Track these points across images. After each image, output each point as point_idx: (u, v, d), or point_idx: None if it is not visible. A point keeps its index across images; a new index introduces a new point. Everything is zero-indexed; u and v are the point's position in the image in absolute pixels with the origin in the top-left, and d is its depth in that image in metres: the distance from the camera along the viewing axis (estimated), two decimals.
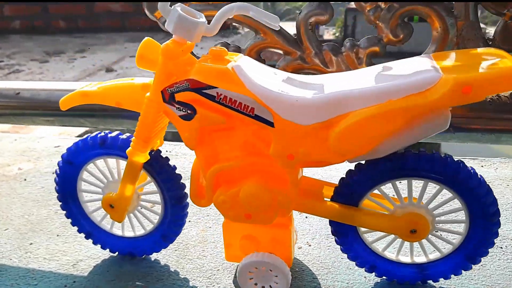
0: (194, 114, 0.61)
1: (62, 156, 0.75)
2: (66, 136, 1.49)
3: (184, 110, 0.61)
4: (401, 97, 0.54)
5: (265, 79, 0.60)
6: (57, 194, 0.77)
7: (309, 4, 0.72)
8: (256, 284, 0.68)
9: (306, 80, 0.62)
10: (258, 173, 0.64)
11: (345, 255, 0.76)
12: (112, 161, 0.74)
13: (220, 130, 0.63)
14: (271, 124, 0.59)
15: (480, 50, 0.59)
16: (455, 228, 0.66)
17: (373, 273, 0.70)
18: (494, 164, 1.03)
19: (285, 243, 0.70)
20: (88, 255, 0.81)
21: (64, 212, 0.79)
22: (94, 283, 0.74)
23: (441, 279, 0.68)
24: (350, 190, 0.64)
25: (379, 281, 0.71)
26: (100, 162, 0.74)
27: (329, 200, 0.66)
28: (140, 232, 0.78)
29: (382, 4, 0.68)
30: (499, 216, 0.61)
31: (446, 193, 0.62)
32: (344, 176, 0.65)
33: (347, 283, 0.71)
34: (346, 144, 0.57)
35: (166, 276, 0.75)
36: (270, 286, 0.68)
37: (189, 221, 0.89)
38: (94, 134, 0.73)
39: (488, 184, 0.60)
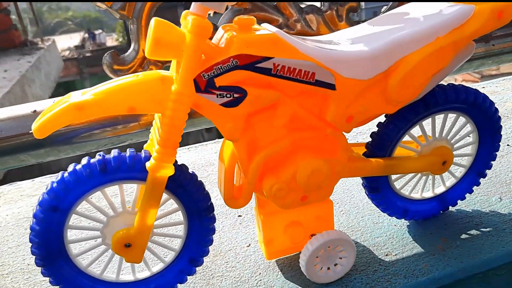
0: (244, 97, 0.52)
1: (40, 204, 0.54)
2: None
3: (228, 95, 0.52)
4: (447, 33, 0.56)
5: (308, 41, 0.55)
6: (35, 258, 0.56)
7: None
8: (321, 268, 0.63)
9: (339, 37, 0.59)
10: (307, 149, 0.59)
11: (363, 213, 0.77)
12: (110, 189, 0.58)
13: (262, 111, 0.55)
14: (332, 86, 0.54)
15: None
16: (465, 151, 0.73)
17: (403, 219, 0.73)
18: None
19: (329, 217, 0.66)
20: None
21: (49, 279, 0.58)
22: None
23: (458, 202, 0.75)
24: (386, 140, 0.64)
25: (408, 223, 0.74)
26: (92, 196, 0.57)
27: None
28: (157, 267, 0.63)
29: None
30: (501, 128, 0.70)
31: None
32: (375, 130, 0.65)
33: (386, 235, 0.72)
34: (404, 90, 0.57)
35: None
36: (335, 264, 0.64)
37: None
38: (84, 160, 0.55)
39: (494, 103, 0.68)
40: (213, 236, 0.62)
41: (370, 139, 0.66)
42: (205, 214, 0.61)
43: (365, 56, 0.54)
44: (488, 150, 0.71)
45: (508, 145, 0.94)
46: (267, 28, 0.53)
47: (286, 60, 0.51)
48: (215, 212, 0.61)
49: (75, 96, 0.51)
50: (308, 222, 0.65)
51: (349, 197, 0.82)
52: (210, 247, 0.63)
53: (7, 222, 0.87)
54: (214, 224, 0.62)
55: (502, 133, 0.70)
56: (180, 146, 0.82)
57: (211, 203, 0.61)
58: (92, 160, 0.55)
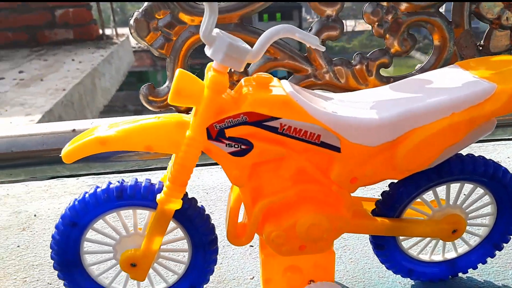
0: (250, 149, 0.55)
1: (62, 217, 0.61)
2: (20, 177, 1.21)
3: (236, 146, 0.55)
4: (464, 109, 0.56)
5: (321, 103, 0.57)
6: (53, 262, 0.63)
7: (319, 20, 0.70)
8: None
9: (354, 99, 0.61)
10: (310, 202, 0.61)
11: (371, 265, 0.77)
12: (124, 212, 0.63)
13: (270, 162, 0.58)
14: (337, 149, 0.56)
15: (497, 57, 0.65)
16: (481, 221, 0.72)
17: (408, 278, 0.72)
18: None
19: (329, 267, 0.68)
20: None
21: (63, 282, 0.65)
22: None
23: (470, 270, 0.73)
24: (395, 202, 0.65)
25: (414, 283, 0.73)
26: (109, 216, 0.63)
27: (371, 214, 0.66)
28: (160, 286, 0.68)
29: (390, 18, 0.70)
30: None
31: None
32: (387, 189, 0.65)
33: None
34: (414, 161, 0.57)
35: None
36: None
37: None
38: (104, 185, 0.61)
39: None
40: (221, 262, 0.66)
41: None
42: (208, 247, 0.65)
43: (373, 125, 0.56)
44: (506, 224, 0.69)
45: None
46: (283, 87, 0.56)
47: (293, 121, 0.54)
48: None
49: (102, 130, 0.57)
50: (307, 269, 0.67)
51: (362, 245, 0.83)
52: (216, 272, 0.66)
53: (47, 215, 0.96)
54: (217, 255, 0.66)
55: None
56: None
57: (215, 237, 0.65)
58: (111, 186, 0.61)
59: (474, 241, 0.72)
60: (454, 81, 0.59)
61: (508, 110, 0.57)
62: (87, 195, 0.61)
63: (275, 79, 0.59)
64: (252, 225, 0.62)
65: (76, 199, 0.61)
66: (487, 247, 0.71)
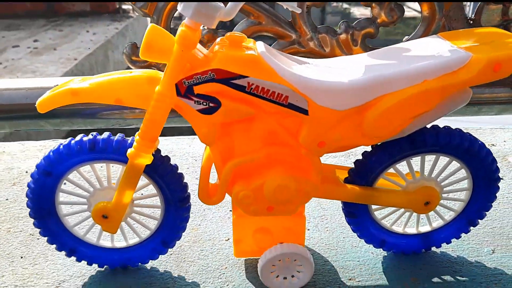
0: (218, 107, 0.56)
1: (37, 167, 0.63)
2: (5, 130, 1.24)
3: (205, 103, 0.56)
4: (436, 77, 0.55)
5: (292, 65, 0.57)
6: (29, 210, 0.65)
7: None
8: (277, 276, 0.66)
9: (329, 64, 0.60)
10: (279, 164, 0.61)
11: (346, 233, 0.78)
12: (98, 165, 0.65)
13: (240, 122, 0.59)
14: (305, 112, 0.56)
15: (481, 29, 0.63)
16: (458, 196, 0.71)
17: (380, 248, 0.73)
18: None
19: (300, 231, 0.68)
20: (70, 274, 0.71)
21: (39, 230, 0.67)
22: None
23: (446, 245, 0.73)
24: (367, 171, 0.65)
25: (386, 254, 0.74)
26: (84, 168, 0.64)
27: (344, 182, 0.66)
28: (133, 240, 0.70)
29: None
30: (500, 180, 0.67)
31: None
32: (360, 158, 0.65)
33: (358, 260, 0.72)
34: (381, 127, 0.57)
35: (172, 283, 0.69)
36: (292, 276, 0.66)
37: None
38: (78, 137, 0.62)
39: (491, 153, 0.65)
40: (200, 224, 0.67)
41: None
42: (180, 204, 0.66)
43: (341, 88, 0.55)
44: (482, 200, 0.68)
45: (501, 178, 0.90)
46: (257, 48, 0.56)
47: (261, 81, 0.54)
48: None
49: (75, 82, 0.58)
50: (277, 231, 0.68)
51: (340, 215, 0.83)
52: (192, 232, 0.68)
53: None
54: (189, 213, 0.68)
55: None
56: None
57: (188, 195, 0.66)
58: (85, 139, 0.62)
59: (449, 216, 0.71)
60: (431, 50, 0.58)
61: (481, 79, 0.55)
62: (61, 146, 0.62)
63: (251, 40, 0.59)
64: (222, 185, 0.62)
65: (51, 150, 0.63)
66: (462, 223, 0.70)
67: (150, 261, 0.72)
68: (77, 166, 0.63)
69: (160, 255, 0.71)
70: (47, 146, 1.11)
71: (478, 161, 0.64)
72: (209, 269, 0.71)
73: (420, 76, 0.55)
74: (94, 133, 0.63)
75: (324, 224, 0.81)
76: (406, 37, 0.74)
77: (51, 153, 0.62)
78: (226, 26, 0.74)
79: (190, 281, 0.69)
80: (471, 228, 0.71)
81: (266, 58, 0.54)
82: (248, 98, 0.55)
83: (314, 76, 0.56)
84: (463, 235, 0.72)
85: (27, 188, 0.64)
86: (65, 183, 0.65)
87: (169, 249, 0.70)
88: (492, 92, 0.74)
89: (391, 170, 0.66)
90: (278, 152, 0.61)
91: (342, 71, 0.58)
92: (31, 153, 1.08)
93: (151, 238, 0.69)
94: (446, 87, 0.55)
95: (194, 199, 0.68)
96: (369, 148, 0.65)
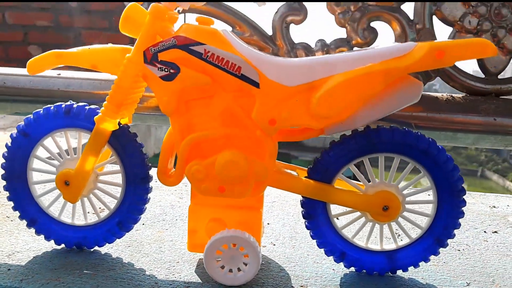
0: (177, 73, 0.61)
1: (17, 128, 0.69)
2: None
3: (166, 70, 0.61)
4: (381, 61, 0.57)
5: (250, 47, 0.62)
6: (2, 172, 0.70)
7: (286, 4, 0.77)
8: (223, 267, 0.63)
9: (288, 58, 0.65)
10: (234, 143, 0.63)
11: (312, 252, 0.74)
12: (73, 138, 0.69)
13: (199, 99, 0.63)
14: (256, 84, 0.59)
15: None
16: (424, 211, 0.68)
17: (342, 264, 0.68)
18: None
19: (255, 227, 0.67)
20: (27, 248, 0.71)
21: (7, 194, 0.70)
22: (33, 271, 0.65)
23: (411, 268, 0.67)
24: (325, 167, 0.65)
25: (348, 272, 0.69)
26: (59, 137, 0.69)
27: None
28: (92, 220, 0.71)
29: (352, 8, 0.75)
30: (465, 193, 0.64)
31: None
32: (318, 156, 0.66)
33: (316, 273, 0.68)
34: (326, 107, 0.59)
35: (119, 266, 0.68)
36: (238, 269, 0.63)
37: (143, 224, 0.82)
38: (57, 104, 0.68)
39: (453, 160, 0.63)
40: (168, 229, 0.68)
41: None
42: (139, 182, 0.68)
43: (290, 65, 0.59)
44: (448, 214, 0.64)
45: (495, 232, 0.83)
46: (223, 30, 0.62)
47: (217, 49, 0.59)
48: None
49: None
50: (232, 224, 0.66)
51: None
52: (157, 234, 0.68)
53: None
54: (148, 195, 0.69)
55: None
56: None
57: (148, 175, 0.68)
58: (62, 105, 0.68)
59: (415, 234, 0.67)
60: (387, 45, 0.62)
61: (425, 65, 0.57)
62: (41, 111, 0.68)
63: (213, 22, 0.65)
64: (179, 161, 0.64)
65: (34, 112, 0.68)
66: (429, 241, 0.66)
67: (107, 245, 0.72)
68: (52, 131, 0.68)
69: (116, 239, 0.70)
70: None
71: (439, 167, 0.62)
72: (160, 261, 0.70)
73: (365, 60, 0.58)
74: (71, 101, 0.69)
75: (293, 243, 0.78)
76: None
77: (31, 116, 0.68)
78: None
79: (138, 268, 0.68)
80: (440, 249, 0.66)
81: (225, 33, 0.60)
82: (204, 65, 0.60)
83: (269, 55, 0.60)
84: (436, 266, 0.66)
85: (5, 148, 0.69)
86: (40, 149, 0.69)
87: (126, 242, 0.71)
88: (465, 117, 0.74)
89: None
90: (234, 134, 0.63)
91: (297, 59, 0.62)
92: None
93: (109, 218, 0.70)
94: (390, 70, 0.57)
95: (170, 207, 0.70)
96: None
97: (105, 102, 0.64)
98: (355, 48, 0.66)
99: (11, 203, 0.70)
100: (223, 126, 0.63)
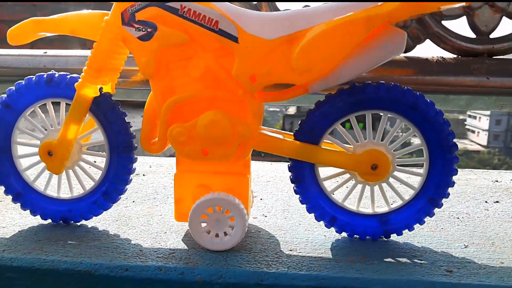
0: (154, 32, 0.60)
1: (0, 99, 0.68)
2: None
3: (144, 29, 0.60)
4: (361, 9, 0.56)
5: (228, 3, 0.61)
6: None
7: None
8: (209, 232, 0.62)
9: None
10: (215, 105, 0.62)
11: (304, 221, 0.72)
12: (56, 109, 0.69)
13: (178, 60, 0.62)
14: (235, 39, 0.58)
15: None
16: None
17: (333, 229, 0.66)
18: None
19: (243, 193, 0.65)
20: (13, 224, 0.70)
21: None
22: (17, 243, 0.64)
23: (406, 233, 0.65)
24: (311, 126, 0.63)
25: (339, 237, 0.67)
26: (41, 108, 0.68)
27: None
28: (78, 193, 0.70)
29: None
30: (457, 149, 0.61)
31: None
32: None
33: (306, 239, 0.66)
34: (307, 58, 0.57)
35: (105, 237, 0.66)
36: (224, 233, 0.62)
37: (133, 201, 0.81)
38: (39, 75, 0.68)
39: (443, 114, 0.61)
40: (158, 205, 0.67)
41: None
42: (121, 150, 0.66)
43: (268, 16, 0.58)
44: (440, 172, 0.62)
45: (497, 201, 0.80)
46: None
47: (193, 4, 0.58)
48: None
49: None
50: (218, 190, 0.65)
51: (304, 210, 0.77)
52: (147, 210, 0.67)
53: None
54: (132, 165, 0.67)
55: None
56: None
57: (131, 142, 0.67)
58: (44, 75, 0.67)
59: (408, 196, 0.65)
60: None
61: (404, 13, 0.55)
62: (23, 81, 0.67)
63: None
64: (161, 124, 0.63)
65: (16, 83, 0.68)
66: (423, 202, 0.63)
67: (94, 219, 0.71)
68: (35, 103, 0.67)
69: (102, 211, 0.69)
70: None
71: (429, 122, 0.60)
72: (147, 232, 0.68)
73: (346, 10, 0.56)
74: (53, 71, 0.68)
75: (284, 214, 0.76)
76: None
77: (13, 88, 0.67)
78: None
79: (123, 238, 0.66)
80: (435, 209, 0.63)
81: None
82: (181, 22, 0.59)
83: (247, 9, 0.59)
84: (433, 231, 0.64)
85: None
86: (23, 122, 0.69)
87: (114, 216, 0.69)
88: (457, 78, 0.71)
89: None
90: (216, 95, 0.62)
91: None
92: None
93: (94, 190, 0.69)
94: (372, 17, 0.55)
95: (162, 188, 0.69)
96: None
97: (85, 67, 0.63)
98: None
99: None
100: (205, 87, 0.62)
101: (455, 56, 0.75)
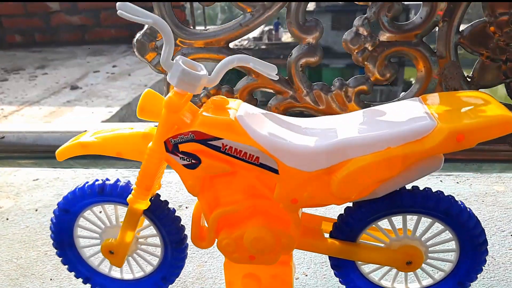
0: (199, 164, 0.62)
1: (58, 204, 0.74)
2: (44, 167, 1.45)
3: (188, 159, 0.63)
4: (399, 145, 0.57)
5: (267, 127, 0.62)
6: (52, 242, 0.76)
7: (299, 47, 0.74)
8: None
9: (306, 125, 0.65)
10: (260, 215, 0.66)
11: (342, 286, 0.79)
12: (110, 206, 0.74)
13: (223, 176, 0.65)
14: (275, 171, 0.61)
15: (465, 93, 0.64)
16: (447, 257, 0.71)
17: None
18: (468, 180, 1.10)
19: (286, 280, 0.72)
20: None
21: (60, 258, 0.78)
22: None
23: None
24: (349, 227, 0.67)
25: None
26: (97, 208, 0.74)
27: (328, 235, 0.69)
28: (139, 274, 0.78)
29: (369, 47, 0.72)
30: (487, 245, 0.66)
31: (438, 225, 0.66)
32: (342, 213, 0.68)
33: None
34: (347, 190, 0.60)
35: None
36: None
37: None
38: (91, 181, 0.72)
39: (476, 216, 0.65)
40: (207, 261, 0.74)
41: None
42: (176, 245, 0.73)
43: (308, 151, 0.59)
44: (470, 262, 0.67)
45: None
46: (238, 109, 0.62)
47: (234, 142, 0.60)
48: None
49: (87, 135, 0.69)
50: (265, 279, 0.72)
51: None
52: (198, 269, 0.75)
53: None
54: (185, 253, 0.75)
55: None
56: None
57: (184, 236, 0.73)
58: (96, 183, 0.72)
59: (438, 275, 0.71)
60: (403, 115, 0.60)
61: (445, 149, 0.56)
62: (77, 189, 0.72)
63: (237, 101, 0.65)
64: (210, 231, 0.68)
65: (69, 192, 0.73)
66: (452, 284, 0.70)
67: None
68: (90, 206, 0.73)
69: None
70: (94, 174, 1.24)
71: (460, 224, 0.64)
72: None
73: (383, 144, 0.57)
74: (106, 178, 0.73)
75: (323, 271, 0.84)
76: (403, 93, 0.76)
77: (69, 195, 0.73)
78: (232, 81, 0.81)
79: None
80: None
81: (241, 121, 0.60)
82: (223, 157, 0.61)
83: (284, 139, 0.60)
84: None
85: (50, 222, 0.75)
86: (82, 220, 0.75)
87: (172, 284, 0.78)
88: (491, 149, 0.72)
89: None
90: (258, 204, 0.66)
91: (315, 133, 0.62)
92: (80, 180, 1.22)
93: (154, 274, 0.77)
94: (409, 155, 0.57)
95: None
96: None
97: (135, 186, 0.67)
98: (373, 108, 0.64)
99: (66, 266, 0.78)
100: (248, 198, 0.66)
101: None
